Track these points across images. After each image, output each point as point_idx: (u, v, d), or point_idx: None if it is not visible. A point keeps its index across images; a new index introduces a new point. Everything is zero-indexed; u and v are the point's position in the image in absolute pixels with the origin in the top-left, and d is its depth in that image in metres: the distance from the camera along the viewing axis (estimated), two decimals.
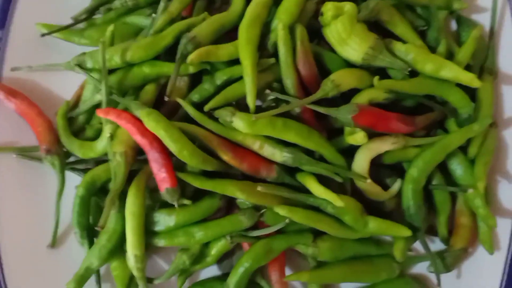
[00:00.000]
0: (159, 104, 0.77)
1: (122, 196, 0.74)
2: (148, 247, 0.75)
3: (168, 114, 0.74)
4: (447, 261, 0.79)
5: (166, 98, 0.73)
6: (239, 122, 0.72)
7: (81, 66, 0.78)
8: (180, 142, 0.71)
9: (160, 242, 0.75)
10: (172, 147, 0.71)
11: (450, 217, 0.80)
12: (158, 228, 0.75)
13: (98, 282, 0.77)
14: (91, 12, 0.83)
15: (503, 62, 0.83)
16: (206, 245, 0.76)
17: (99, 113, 0.74)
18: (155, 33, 0.77)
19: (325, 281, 0.78)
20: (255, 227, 0.75)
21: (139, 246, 0.72)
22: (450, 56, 0.80)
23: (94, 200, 0.78)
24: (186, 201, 0.73)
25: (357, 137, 0.74)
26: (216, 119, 0.74)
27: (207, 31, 0.76)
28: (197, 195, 0.75)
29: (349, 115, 0.73)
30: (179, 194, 0.73)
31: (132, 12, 0.83)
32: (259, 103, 0.76)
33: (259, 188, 0.72)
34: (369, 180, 0.75)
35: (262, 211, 0.75)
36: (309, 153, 0.75)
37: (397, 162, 0.79)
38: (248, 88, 0.73)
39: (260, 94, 0.74)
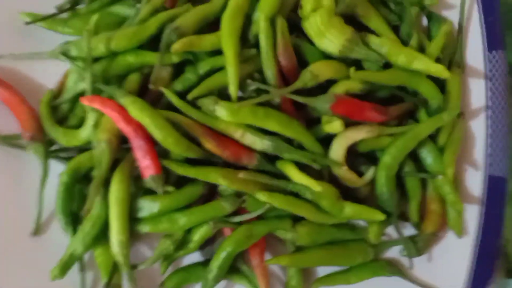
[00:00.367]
0: (142, 93, 0.78)
1: (106, 183, 0.74)
2: (132, 234, 0.75)
3: (151, 102, 0.75)
4: (419, 245, 0.82)
5: (150, 87, 0.75)
6: (222, 111, 0.74)
7: (65, 54, 0.78)
8: (164, 130, 0.72)
9: (145, 228, 0.76)
10: (157, 134, 0.72)
11: (421, 203, 0.83)
12: (142, 214, 0.76)
13: (82, 268, 0.77)
14: (75, 2, 0.83)
15: (470, 56, 0.86)
16: (189, 232, 0.78)
17: (84, 101, 0.74)
18: (139, 23, 0.78)
19: (304, 264, 0.80)
20: (237, 213, 0.77)
21: (124, 231, 0.73)
22: (421, 49, 0.83)
23: (78, 188, 0.78)
24: (170, 188, 0.75)
25: (334, 125, 0.77)
26: (199, 108, 0.76)
27: (190, 21, 0.77)
28: (181, 182, 0.77)
29: (327, 105, 0.76)
30: (163, 181, 0.74)
31: (116, 2, 0.83)
32: (240, 93, 0.77)
33: (240, 175, 0.75)
34: (345, 167, 0.78)
35: (244, 197, 0.76)
36: (289, 141, 0.77)
37: (371, 150, 0.81)
38: (231, 77, 0.75)
39: (241, 84, 0.76)
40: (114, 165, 0.75)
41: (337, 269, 0.83)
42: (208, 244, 0.81)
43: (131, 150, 0.75)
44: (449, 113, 0.81)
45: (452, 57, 0.86)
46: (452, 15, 0.87)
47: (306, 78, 0.76)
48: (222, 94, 0.77)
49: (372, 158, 0.82)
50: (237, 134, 0.76)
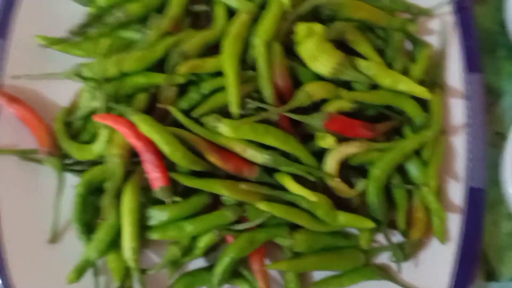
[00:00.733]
0: (149, 111, 0.83)
1: (118, 194, 0.79)
2: (142, 241, 0.80)
3: (159, 120, 0.80)
4: (406, 251, 0.86)
5: (158, 105, 0.80)
6: (224, 127, 0.79)
7: (79, 75, 0.83)
8: (172, 145, 0.78)
9: (154, 235, 0.81)
10: (165, 149, 0.77)
11: (407, 212, 0.87)
12: (151, 222, 0.81)
13: (96, 273, 0.81)
14: (86, 27, 0.88)
15: (450, 78, 0.91)
16: (194, 239, 0.82)
17: (97, 119, 0.80)
18: (147, 47, 0.84)
19: (301, 269, 0.85)
20: (239, 221, 0.82)
21: (135, 239, 0.78)
22: (405, 72, 0.88)
23: (91, 199, 0.82)
24: (177, 198, 0.79)
25: (327, 141, 0.82)
26: (203, 125, 0.81)
27: (194, 46, 0.83)
28: (187, 193, 0.81)
29: (321, 122, 0.81)
30: (171, 191, 0.79)
31: (125, 27, 0.88)
32: (240, 111, 0.81)
33: (242, 186, 0.80)
34: (338, 179, 0.83)
35: (245, 207, 0.81)
36: (286, 155, 0.82)
37: (362, 164, 0.86)
38: (232, 97, 0.80)
39: (241, 103, 0.81)
40: (125, 177, 0.80)
41: (331, 274, 0.87)
42: (212, 250, 0.85)
43: (141, 163, 0.79)
44: (432, 130, 0.86)
45: (434, 78, 0.91)
46: (434, 40, 0.93)
47: (302, 98, 0.82)
48: (223, 112, 0.82)
49: (362, 171, 0.86)
50: (239, 148, 0.81)
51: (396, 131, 0.89)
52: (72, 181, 0.83)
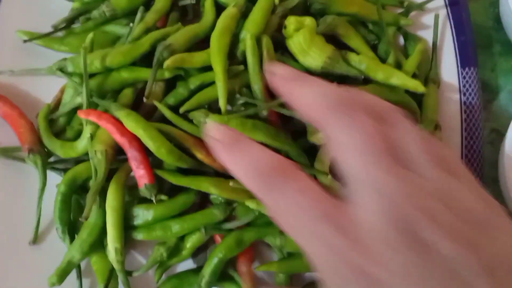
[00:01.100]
0: (135, 106, 0.81)
1: (102, 193, 0.77)
2: (127, 241, 0.77)
3: (145, 115, 0.78)
4: None
5: (144, 100, 0.78)
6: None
7: (62, 70, 0.81)
8: (158, 141, 0.75)
9: (139, 235, 0.78)
10: (151, 145, 0.75)
11: None
12: (136, 222, 0.78)
13: (79, 275, 0.79)
14: (70, 21, 0.86)
15: (445, 73, 0.90)
16: (181, 239, 0.80)
17: (81, 114, 0.77)
18: (132, 41, 0.82)
19: (292, 270, 0.82)
20: (228, 220, 0.80)
21: (119, 239, 0.75)
22: (398, 66, 0.86)
23: (74, 198, 0.80)
24: (163, 197, 0.77)
25: (319, 136, 0.80)
26: (190, 121, 0.79)
27: (181, 40, 0.81)
28: (173, 191, 0.79)
29: None
30: (157, 189, 0.77)
31: (109, 21, 0.87)
32: (229, 107, 0.80)
33: (231, 184, 0.77)
34: (329, 176, 0.81)
35: (234, 205, 0.79)
36: (276, 151, 0.79)
37: None
38: (220, 92, 0.78)
39: (230, 98, 0.79)
40: (110, 175, 0.77)
41: None
42: (200, 251, 0.83)
43: (126, 161, 0.77)
44: (426, 125, 0.85)
45: (428, 73, 0.89)
46: (427, 35, 0.91)
47: None
48: (212, 108, 0.80)
49: None
50: None
51: None
52: (58, 180, 0.81)
